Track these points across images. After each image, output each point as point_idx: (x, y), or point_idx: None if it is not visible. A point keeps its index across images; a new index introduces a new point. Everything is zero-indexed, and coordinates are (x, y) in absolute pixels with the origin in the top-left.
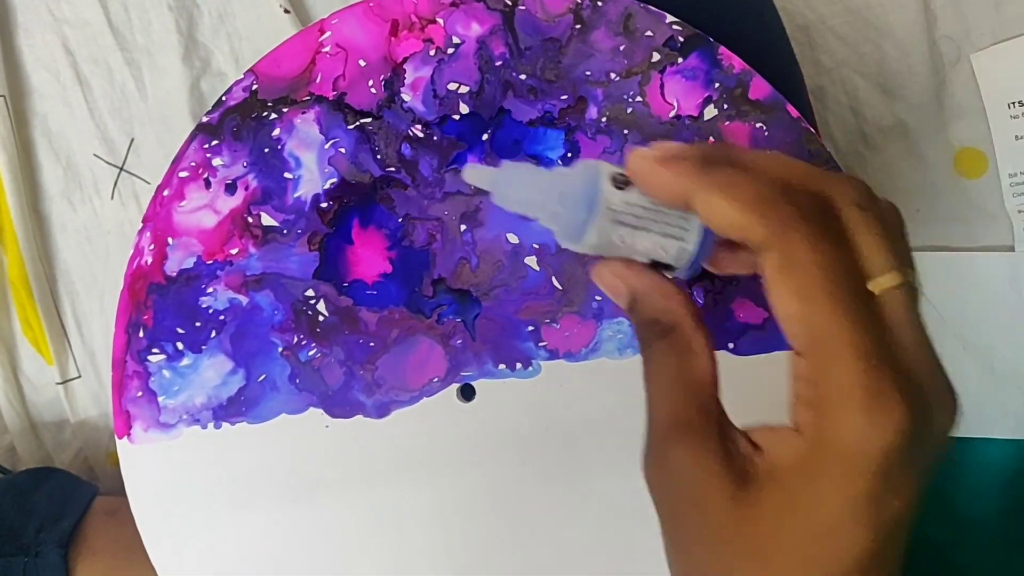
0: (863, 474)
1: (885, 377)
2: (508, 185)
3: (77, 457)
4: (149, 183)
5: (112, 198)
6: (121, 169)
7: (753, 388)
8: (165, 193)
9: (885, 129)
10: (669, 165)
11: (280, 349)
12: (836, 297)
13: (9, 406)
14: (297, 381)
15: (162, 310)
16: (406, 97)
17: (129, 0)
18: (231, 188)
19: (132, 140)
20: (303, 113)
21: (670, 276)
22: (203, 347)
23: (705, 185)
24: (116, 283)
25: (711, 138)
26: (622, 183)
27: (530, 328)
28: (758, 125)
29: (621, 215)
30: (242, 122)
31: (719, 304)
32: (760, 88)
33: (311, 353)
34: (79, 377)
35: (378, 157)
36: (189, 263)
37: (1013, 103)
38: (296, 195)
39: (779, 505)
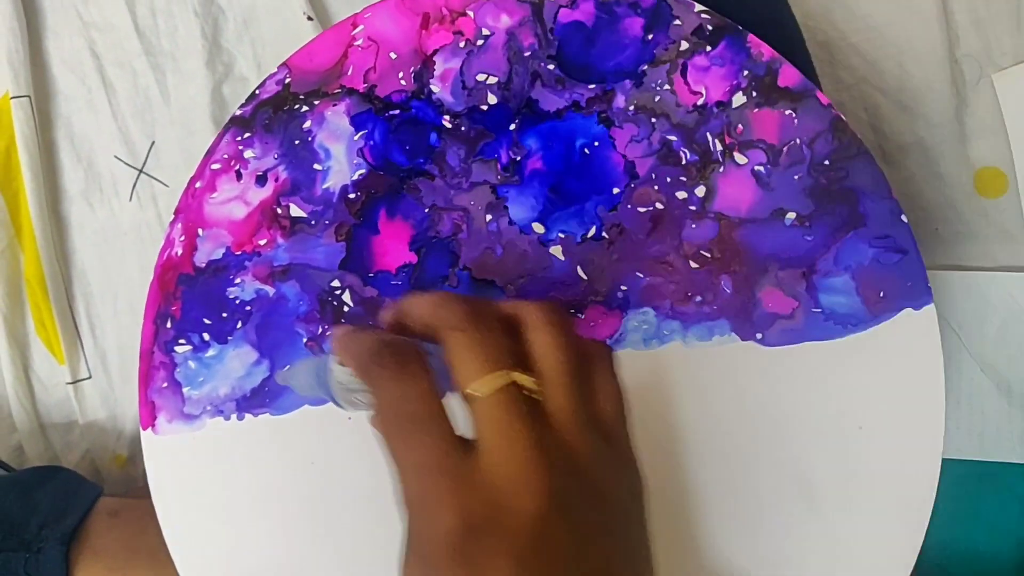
0: (429, 559)
1: (434, 485)
2: (294, 381)
3: (84, 459)
4: (168, 186)
5: (130, 200)
6: (140, 171)
7: (783, 380)
8: (197, 185)
9: (904, 146)
10: (335, 340)
11: (305, 340)
12: (389, 426)
13: (19, 405)
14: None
15: (190, 301)
16: (435, 88)
17: (157, 5)
18: (261, 180)
19: (153, 143)
20: (334, 105)
21: None
22: (229, 338)
23: (336, 350)
24: (130, 285)
25: (740, 126)
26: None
27: None
28: (787, 112)
29: (347, 385)
30: (274, 115)
31: (747, 293)
32: (790, 76)
33: None
34: (90, 378)
35: (406, 148)
36: (218, 254)
37: None
38: (325, 186)
39: None
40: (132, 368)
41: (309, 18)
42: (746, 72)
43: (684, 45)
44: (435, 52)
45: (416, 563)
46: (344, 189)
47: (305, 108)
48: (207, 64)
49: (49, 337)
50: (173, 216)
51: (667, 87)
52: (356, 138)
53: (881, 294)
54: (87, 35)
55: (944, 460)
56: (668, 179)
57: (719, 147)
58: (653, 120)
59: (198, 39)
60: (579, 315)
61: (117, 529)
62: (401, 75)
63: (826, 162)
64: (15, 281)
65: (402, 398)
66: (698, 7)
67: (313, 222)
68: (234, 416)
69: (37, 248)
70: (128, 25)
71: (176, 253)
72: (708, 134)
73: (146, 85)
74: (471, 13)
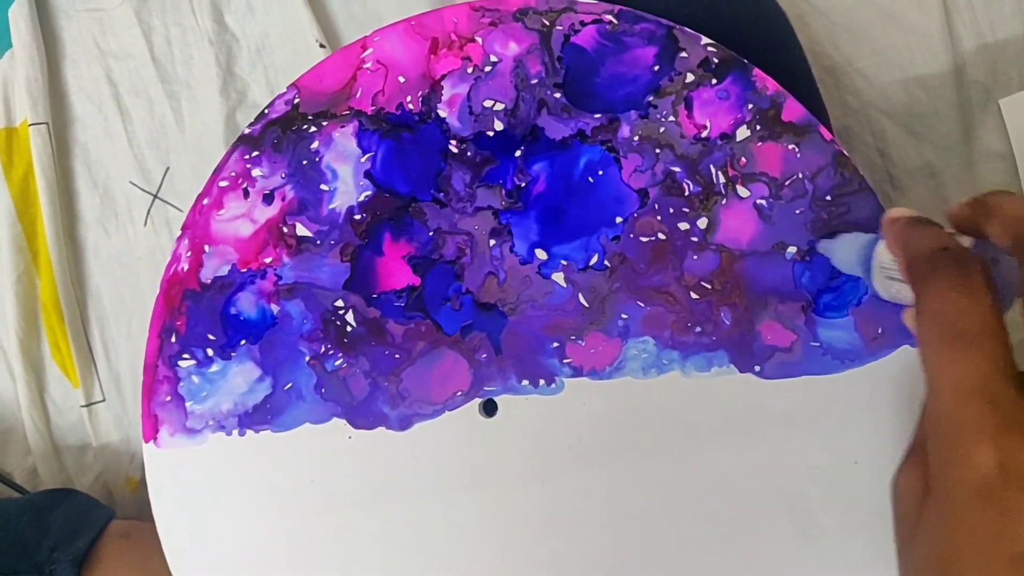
0: (950, 494)
1: (973, 412)
2: (836, 252)
3: (97, 481)
4: (182, 211)
5: (145, 225)
6: (155, 197)
7: (780, 412)
8: (205, 202)
9: (912, 170)
10: (888, 224)
11: (307, 358)
12: (932, 336)
13: (34, 428)
14: (322, 391)
15: (195, 316)
16: (442, 113)
17: (172, 34)
18: (268, 198)
19: (167, 169)
20: (342, 127)
21: None
22: (232, 354)
23: (886, 234)
24: (144, 309)
25: (743, 159)
26: None
27: (555, 344)
28: (791, 147)
29: (889, 271)
30: (283, 134)
31: (746, 325)
32: (793, 110)
33: (337, 363)
34: (103, 401)
35: (413, 171)
36: (224, 271)
37: None
38: (331, 207)
39: None
40: None
41: (321, 45)
42: (751, 106)
43: (690, 77)
44: (443, 77)
45: (936, 497)
46: (350, 210)
47: (313, 129)
48: (221, 91)
49: (64, 360)
50: (180, 232)
51: (672, 118)
52: (363, 160)
53: (879, 330)
54: (104, 63)
55: None
56: (671, 210)
57: (722, 179)
58: (657, 151)
59: (212, 67)
60: (579, 341)
61: (128, 552)
62: (409, 99)
63: (828, 197)
64: (31, 305)
65: (956, 311)
66: (704, 40)
67: (319, 242)
68: (235, 432)
69: (53, 273)
70: (144, 53)
71: (182, 268)
72: (711, 166)
73: (161, 112)
74: (479, 39)
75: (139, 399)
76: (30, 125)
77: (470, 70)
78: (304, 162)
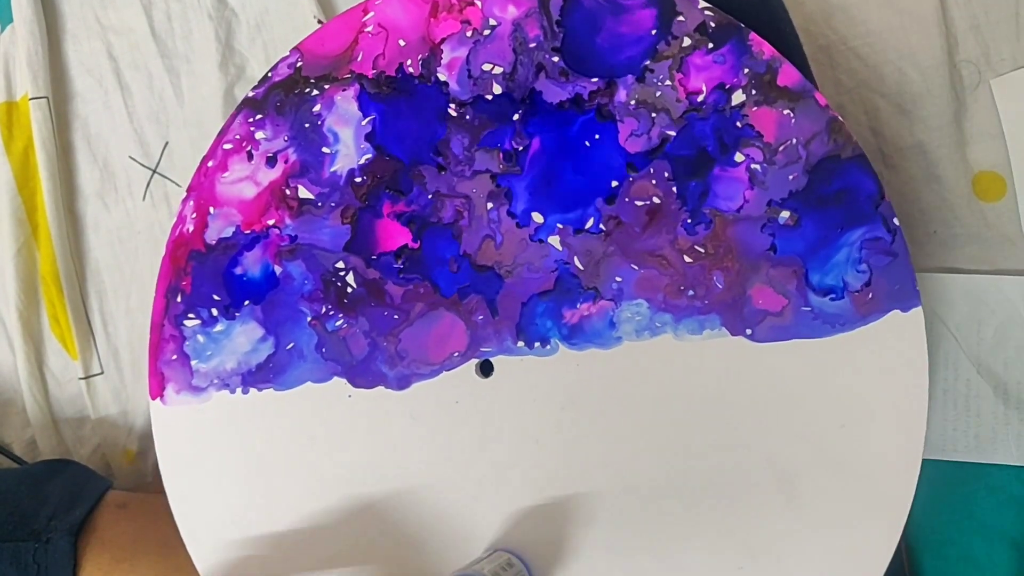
0: None
1: None
2: None
3: (95, 453)
4: (180, 186)
5: (144, 199)
6: (154, 171)
7: (769, 376)
8: (209, 164)
9: (904, 149)
10: None
11: (309, 318)
12: None
13: (33, 400)
14: (323, 350)
15: (200, 277)
16: (442, 76)
17: (172, 9)
18: (272, 161)
19: (166, 144)
20: (343, 90)
21: None
22: (236, 314)
23: None
24: (143, 283)
25: (738, 124)
26: None
27: (550, 306)
28: (786, 112)
29: None
30: (285, 97)
31: (738, 289)
32: (789, 75)
33: (338, 323)
34: (102, 373)
35: (412, 134)
36: (228, 232)
37: None
38: (332, 169)
39: None
40: (144, 364)
41: (320, 21)
42: (746, 70)
43: (687, 41)
44: (443, 41)
45: None
46: (351, 173)
47: (315, 92)
48: (220, 66)
49: (63, 333)
50: (185, 193)
51: (668, 83)
52: (364, 123)
53: (870, 296)
54: (105, 38)
55: (939, 462)
56: (666, 174)
57: (716, 144)
58: (653, 115)
59: (212, 42)
60: (576, 306)
61: (125, 521)
62: (409, 62)
63: (821, 162)
64: (31, 278)
65: None
66: (702, 3)
67: (320, 204)
68: (239, 390)
69: (52, 246)
70: (144, 28)
71: (188, 230)
72: (706, 130)
73: (161, 87)
74: (479, 3)
75: (137, 372)
76: (30, 99)
77: (469, 34)
78: (306, 125)
